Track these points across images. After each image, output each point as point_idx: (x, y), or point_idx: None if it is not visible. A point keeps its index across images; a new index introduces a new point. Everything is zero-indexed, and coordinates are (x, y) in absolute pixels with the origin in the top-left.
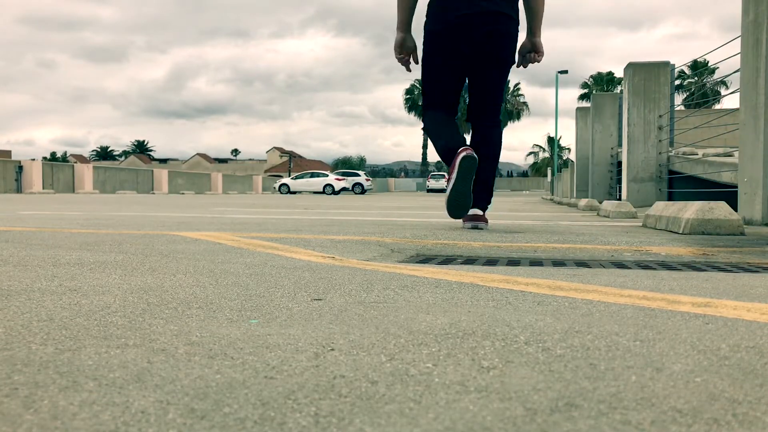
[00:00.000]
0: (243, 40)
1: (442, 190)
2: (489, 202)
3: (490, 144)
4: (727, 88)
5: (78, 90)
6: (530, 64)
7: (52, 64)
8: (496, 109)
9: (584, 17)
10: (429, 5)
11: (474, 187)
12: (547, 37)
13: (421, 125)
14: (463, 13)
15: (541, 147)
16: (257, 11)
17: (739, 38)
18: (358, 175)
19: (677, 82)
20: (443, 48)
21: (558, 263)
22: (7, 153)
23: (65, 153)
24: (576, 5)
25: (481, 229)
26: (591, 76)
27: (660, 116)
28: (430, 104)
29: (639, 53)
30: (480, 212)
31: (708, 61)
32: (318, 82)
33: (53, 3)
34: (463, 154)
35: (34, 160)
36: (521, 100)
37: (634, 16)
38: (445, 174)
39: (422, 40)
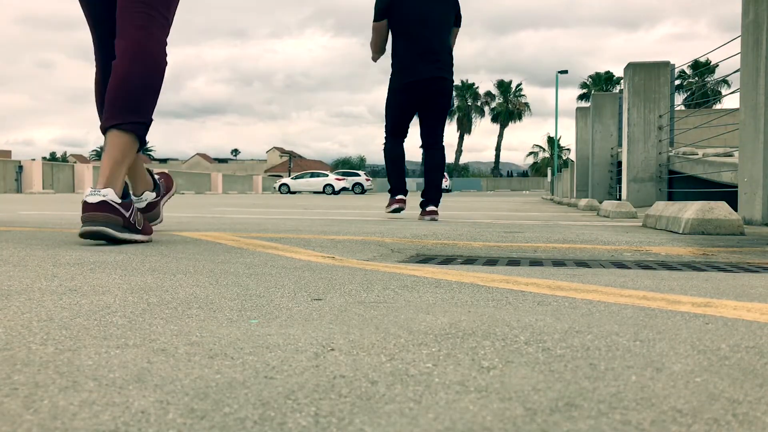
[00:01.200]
0: (241, 40)
1: (443, 190)
2: (439, 201)
3: (437, 159)
4: (728, 87)
5: (76, 90)
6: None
7: (49, 64)
8: (440, 138)
9: (582, 17)
10: (391, 70)
11: (429, 190)
12: (545, 37)
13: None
14: (412, 80)
15: (541, 147)
16: (255, 11)
17: (739, 38)
18: (358, 175)
19: (677, 82)
20: (399, 101)
21: (558, 263)
22: (7, 153)
23: (65, 153)
24: (574, 5)
25: (437, 220)
26: (590, 76)
27: (660, 116)
28: (390, 132)
29: (637, 53)
30: (435, 208)
31: (710, 61)
32: (316, 82)
33: (49, 3)
34: (402, 197)
35: (34, 160)
36: (522, 101)
37: (633, 16)
38: (446, 174)
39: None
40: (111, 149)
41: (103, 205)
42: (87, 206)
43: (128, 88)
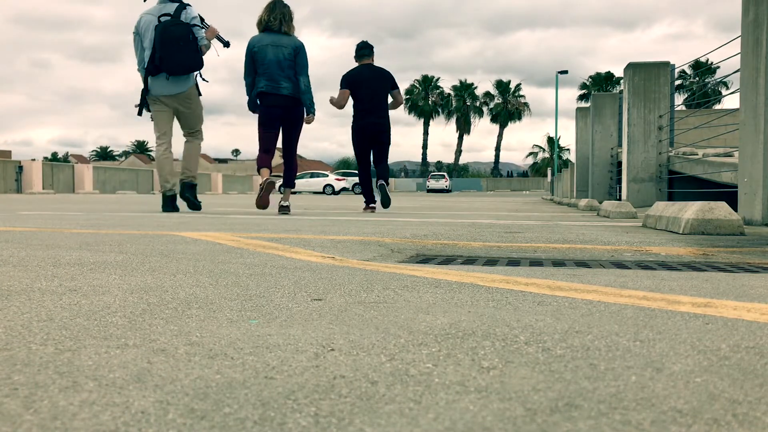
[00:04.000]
0: (237, 40)
1: (443, 190)
2: (386, 198)
3: (383, 172)
4: (727, 88)
5: (73, 90)
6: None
7: (46, 64)
8: (384, 159)
9: (579, 17)
10: (352, 119)
11: (382, 193)
12: (541, 37)
13: (421, 126)
14: (361, 124)
15: (540, 147)
16: (251, 11)
17: (739, 38)
18: (357, 174)
19: (678, 82)
20: (358, 138)
21: (558, 263)
22: (7, 153)
23: (67, 153)
24: (570, 5)
25: (374, 211)
26: (590, 76)
27: (660, 116)
28: (358, 163)
29: (635, 53)
30: (374, 205)
31: (710, 61)
32: (314, 82)
33: (45, 3)
34: (373, 205)
35: (34, 160)
36: (522, 101)
37: (629, 16)
38: (445, 174)
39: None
40: (287, 192)
41: (286, 207)
42: (281, 207)
43: (293, 173)
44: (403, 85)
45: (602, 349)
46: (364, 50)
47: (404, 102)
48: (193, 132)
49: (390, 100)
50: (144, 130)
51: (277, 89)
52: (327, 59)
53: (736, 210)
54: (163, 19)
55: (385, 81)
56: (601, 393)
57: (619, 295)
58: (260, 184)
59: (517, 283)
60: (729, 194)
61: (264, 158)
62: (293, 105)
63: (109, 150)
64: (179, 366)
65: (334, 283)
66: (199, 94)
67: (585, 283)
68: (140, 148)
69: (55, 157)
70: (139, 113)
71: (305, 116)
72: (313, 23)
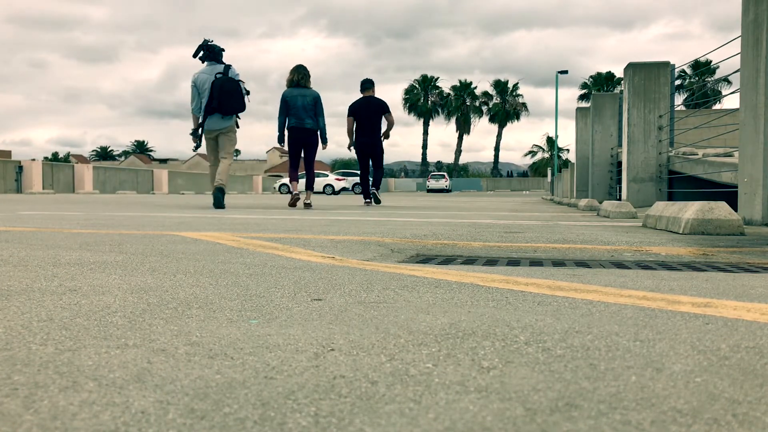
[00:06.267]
0: (235, 40)
1: (443, 190)
2: (378, 191)
3: (378, 174)
4: (729, 85)
5: (71, 90)
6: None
7: (43, 64)
8: (379, 165)
9: (576, 17)
10: (355, 136)
11: (375, 185)
12: (538, 37)
13: (420, 126)
14: (360, 141)
15: (540, 147)
16: (248, 11)
17: (739, 38)
18: (358, 175)
19: (677, 82)
20: (359, 152)
21: (558, 263)
22: (7, 153)
23: (68, 153)
24: (567, 5)
25: (380, 202)
26: (591, 76)
27: (660, 116)
28: (359, 167)
29: (632, 53)
30: (372, 200)
31: (710, 61)
32: (312, 82)
33: (42, 2)
34: (368, 200)
35: (34, 160)
36: (520, 101)
37: (626, 16)
38: (445, 174)
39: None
40: (308, 193)
41: (309, 203)
42: (306, 204)
43: (312, 180)
44: (401, 85)
45: (602, 349)
46: (366, 84)
47: (403, 103)
48: (226, 154)
49: (384, 124)
50: (143, 130)
51: (302, 124)
52: (325, 59)
53: (736, 210)
54: (218, 76)
55: (379, 109)
56: (601, 393)
57: (619, 295)
58: (292, 194)
59: (517, 283)
60: (729, 194)
61: (292, 172)
62: (310, 134)
63: (109, 150)
64: (179, 366)
65: (334, 283)
66: (237, 127)
67: (585, 283)
68: (140, 148)
69: (56, 157)
70: (199, 145)
71: (320, 145)
72: (309, 23)
